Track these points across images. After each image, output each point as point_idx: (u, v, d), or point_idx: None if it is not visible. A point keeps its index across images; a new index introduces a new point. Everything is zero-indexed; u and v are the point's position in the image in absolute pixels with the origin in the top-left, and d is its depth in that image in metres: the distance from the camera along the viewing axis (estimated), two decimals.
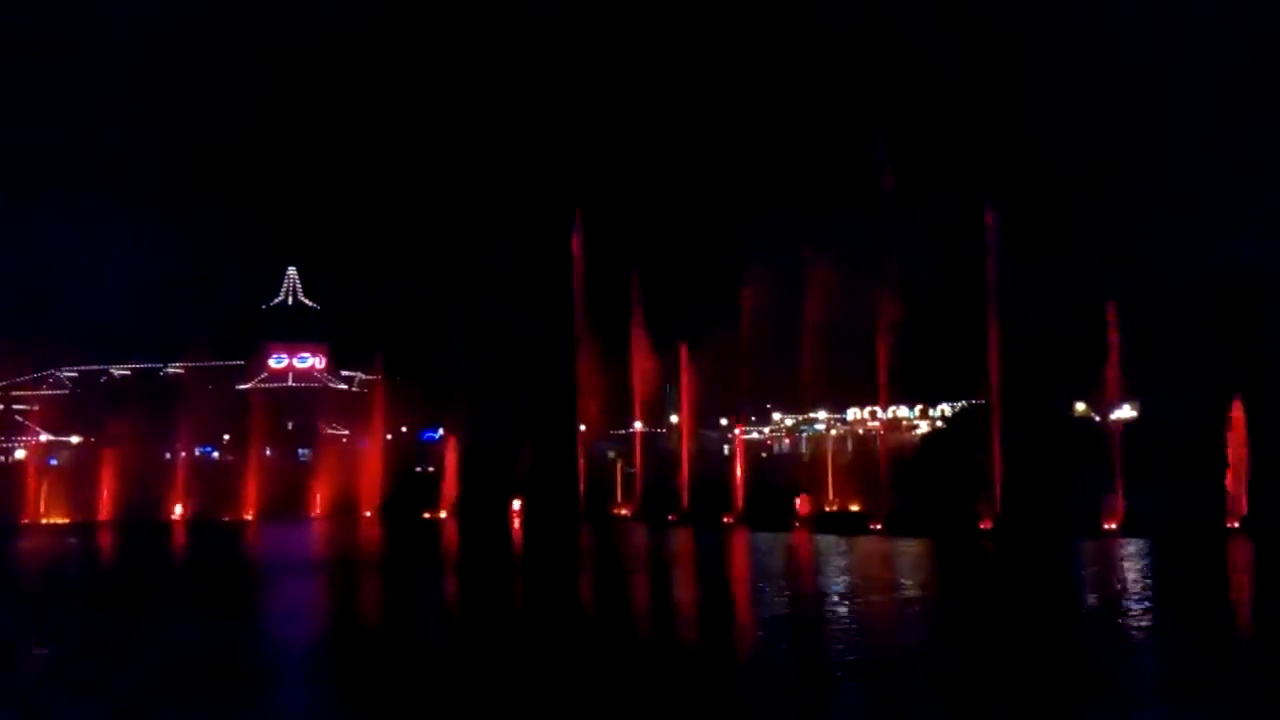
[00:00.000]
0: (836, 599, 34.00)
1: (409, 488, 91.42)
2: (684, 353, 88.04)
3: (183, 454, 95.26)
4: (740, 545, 59.25)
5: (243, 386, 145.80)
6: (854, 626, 28.57)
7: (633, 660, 23.91)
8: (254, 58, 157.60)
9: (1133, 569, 43.43)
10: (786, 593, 37.50)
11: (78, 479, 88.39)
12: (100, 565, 52.02)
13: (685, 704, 19.55)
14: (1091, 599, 35.62)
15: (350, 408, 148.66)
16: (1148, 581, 39.58)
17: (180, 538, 69.62)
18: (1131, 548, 51.54)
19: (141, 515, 79.22)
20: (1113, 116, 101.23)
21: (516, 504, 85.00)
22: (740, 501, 77.74)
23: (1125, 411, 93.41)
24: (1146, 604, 32.92)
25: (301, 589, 40.20)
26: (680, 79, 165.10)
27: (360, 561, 52.56)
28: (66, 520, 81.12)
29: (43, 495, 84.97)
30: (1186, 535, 55.69)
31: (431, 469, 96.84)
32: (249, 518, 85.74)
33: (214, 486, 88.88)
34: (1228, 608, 32.49)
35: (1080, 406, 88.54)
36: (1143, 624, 28.90)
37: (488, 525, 74.75)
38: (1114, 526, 60.28)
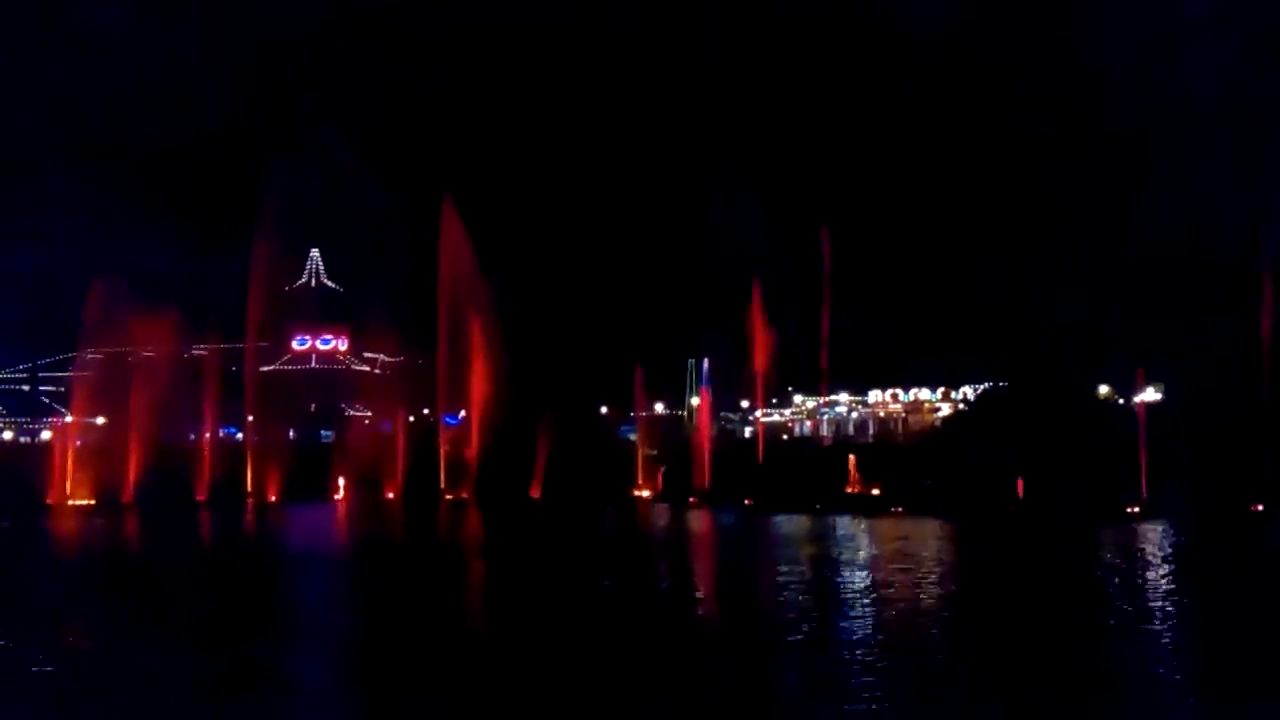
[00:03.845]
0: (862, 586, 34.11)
1: (431, 470, 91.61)
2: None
3: (206, 435, 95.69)
4: (764, 527, 59.20)
5: (266, 368, 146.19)
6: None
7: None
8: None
9: (1147, 555, 43.24)
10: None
11: (103, 460, 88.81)
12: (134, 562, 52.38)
13: None
14: (1097, 582, 35.58)
15: (373, 389, 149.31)
16: (1158, 570, 39.46)
17: (211, 522, 70.10)
18: (1152, 532, 51.31)
19: (165, 497, 79.63)
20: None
21: (536, 486, 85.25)
22: (760, 484, 77.66)
23: (1149, 394, 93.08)
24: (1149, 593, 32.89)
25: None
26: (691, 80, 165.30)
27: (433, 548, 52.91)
28: (91, 502, 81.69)
29: (68, 477, 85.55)
30: (1209, 519, 55.46)
31: (454, 451, 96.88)
32: (272, 499, 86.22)
33: (238, 468, 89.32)
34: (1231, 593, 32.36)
35: (1104, 390, 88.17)
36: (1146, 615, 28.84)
37: (514, 508, 74.90)
38: (1136, 510, 60.07)
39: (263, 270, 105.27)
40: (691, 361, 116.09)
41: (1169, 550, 44.84)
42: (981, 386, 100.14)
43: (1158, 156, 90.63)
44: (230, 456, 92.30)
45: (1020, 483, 64.04)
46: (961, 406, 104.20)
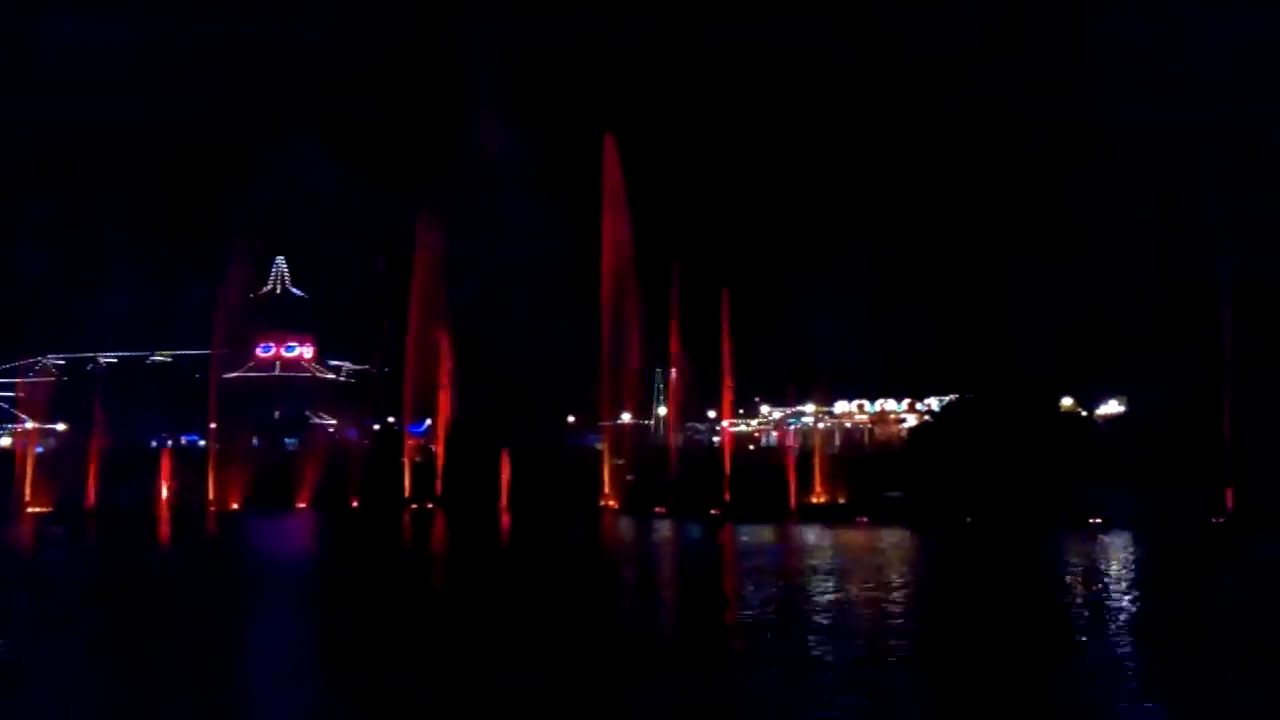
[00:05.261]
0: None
1: (397, 479, 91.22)
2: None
3: (169, 442, 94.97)
4: (729, 538, 59.17)
5: (230, 375, 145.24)
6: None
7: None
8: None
9: (1105, 566, 43.50)
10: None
11: (63, 467, 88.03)
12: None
13: None
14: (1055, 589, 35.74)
15: (338, 397, 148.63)
16: (1115, 580, 39.70)
17: (170, 531, 69.34)
18: (1113, 543, 51.63)
19: (125, 505, 78.86)
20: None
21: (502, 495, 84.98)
22: (727, 494, 77.81)
23: (1112, 406, 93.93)
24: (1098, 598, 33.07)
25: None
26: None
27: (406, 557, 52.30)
28: (50, 509, 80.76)
29: (28, 484, 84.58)
30: (1170, 531, 55.94)
31: (419, 460, 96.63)
32: (234, 507, 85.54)
33: (199, 475, 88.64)
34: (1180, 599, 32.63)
35: (1067, 401, 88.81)
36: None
37: (483, 517, 74.57)
38: (1099, 521, 60.52)
39: (228, 277, 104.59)
40: (659, 370, 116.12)
41: (1127, 561, 45.14)
42: (947, 398, 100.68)
43: (1125, 172, 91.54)
44: (192, 464, 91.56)
45: (984, 493, 64.37)
46: (926, 418, 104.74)
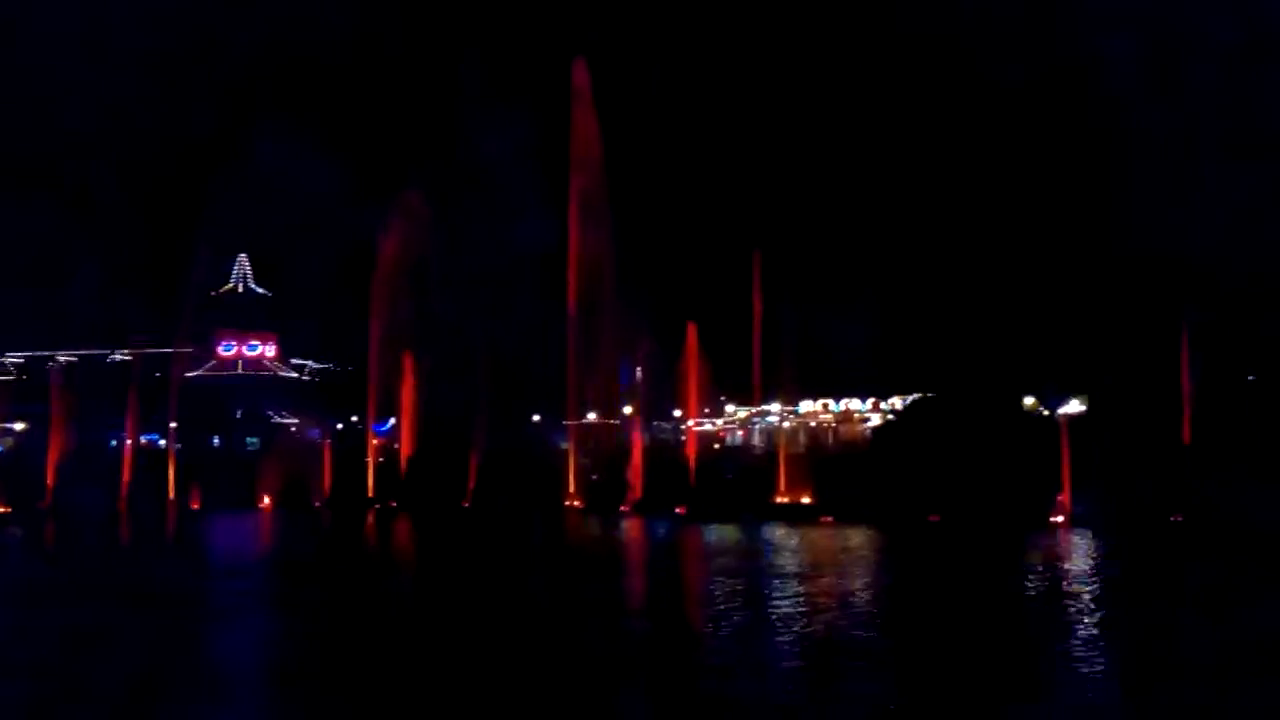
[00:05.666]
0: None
1: (361, 479, 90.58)
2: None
3: (129, 442, 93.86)
4: (695, 537, 59.23)
5: (191, 374, 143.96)
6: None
7: None
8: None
9: (1068, 564, 43.85)
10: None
11: (22, 467, 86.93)
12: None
13: None
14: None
15: (300, 397, 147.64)
16: (1078, 577, 40.04)
17: (128, 530, 68.66)
18: (1074, 541, 52.05)
19: (84, 505, 77.84)
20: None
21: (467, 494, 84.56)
22: (693, 493, 77.71)
23: (1073, 406, 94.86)
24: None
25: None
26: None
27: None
28: (7, 510, 79.64)
29: None
30: (1131, 529, 56.41)
31: (383, 459, 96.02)
32: (195, 507, 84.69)
33: (160, 475, 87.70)
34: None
35: (1029, 400, 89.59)
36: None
37: (446, 516, 74.23)
38: (1061, 519, 60.94)
39: (190, 275, 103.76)
40: (624, 369, 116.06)
41: (1089, 559, 45.54)
42: (910, 397, 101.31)
43: (1085, 169, 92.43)
44: (152, 463, 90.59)
45: (948, 491, 64.62)
46: (890, 417, 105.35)
